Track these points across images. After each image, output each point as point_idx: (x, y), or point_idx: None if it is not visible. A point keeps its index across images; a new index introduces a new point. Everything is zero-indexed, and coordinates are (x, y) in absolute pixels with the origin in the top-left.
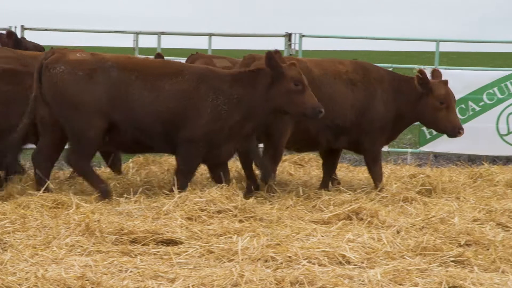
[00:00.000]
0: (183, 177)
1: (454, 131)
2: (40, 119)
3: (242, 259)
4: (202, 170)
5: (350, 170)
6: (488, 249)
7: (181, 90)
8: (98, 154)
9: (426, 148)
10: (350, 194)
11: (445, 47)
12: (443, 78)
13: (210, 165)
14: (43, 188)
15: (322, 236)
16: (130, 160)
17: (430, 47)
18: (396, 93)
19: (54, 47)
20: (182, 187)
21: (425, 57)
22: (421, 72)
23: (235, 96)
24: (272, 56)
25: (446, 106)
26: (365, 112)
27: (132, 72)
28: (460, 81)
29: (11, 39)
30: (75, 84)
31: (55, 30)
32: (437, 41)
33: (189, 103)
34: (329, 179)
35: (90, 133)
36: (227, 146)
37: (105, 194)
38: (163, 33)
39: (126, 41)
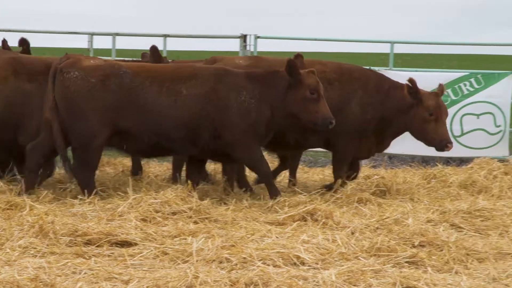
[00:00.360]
0: (260, 169)
1: (442, 144)
2: (45, 119)
3: (196, 261)
4: (157, 171)
5: (305, 171)
6: (441, 250)
7: (199, 93)
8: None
9: None
10: (305, 195)
11: (399, 49)
12: (401, 81)
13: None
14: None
15: (277, 237)
16: None
17: (384, 48)
18: (384, 97)
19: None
20: (266, 175)
21: (379, 58)
22: (411, 81)
23: (257, 92)
24: (293, 64)
25: (435, 118)
26: (338, 113)
27: (146, 77)
28: None
29: None
30: (87, 90)
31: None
32: (392, 43)
33: (210, 105)
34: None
35: (95, 141)
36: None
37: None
38: (117, 34)
39: (80, 42)
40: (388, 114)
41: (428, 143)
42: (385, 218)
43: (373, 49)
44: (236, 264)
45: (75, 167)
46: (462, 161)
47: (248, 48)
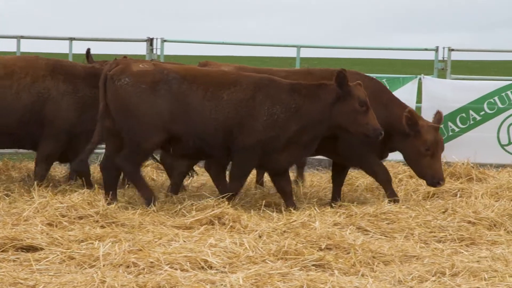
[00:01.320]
0: (237, 180)
1: (433, 181)
2: (106, 128)
3: (103, 265)
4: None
5: None
6: (348, 253)
7: (238, 99)
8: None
9: None
10: (212, 199)
11: (306, 53)
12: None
13: (270, 172)
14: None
15: (184, 241)
16: None
17: (291, 52)
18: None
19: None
20: (235, 189)
21: (286, 62)
22: (410, 112)
23: (293, 106)
24: (343, 75)
25: (431, 153)
26: None
27: (193, 83)
28: None
29: None
30: (138, 96)
31: None
32: (298, 47)
33: (244, 111)
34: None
35: (147, 145)
36: (286, 154)
37: (148, 202)
38: (22, 37)
39: None
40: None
41: (420, 176)
42: (292, 222)
43: (280, 53)
44: (143, 269)
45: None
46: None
47: (154, 51)
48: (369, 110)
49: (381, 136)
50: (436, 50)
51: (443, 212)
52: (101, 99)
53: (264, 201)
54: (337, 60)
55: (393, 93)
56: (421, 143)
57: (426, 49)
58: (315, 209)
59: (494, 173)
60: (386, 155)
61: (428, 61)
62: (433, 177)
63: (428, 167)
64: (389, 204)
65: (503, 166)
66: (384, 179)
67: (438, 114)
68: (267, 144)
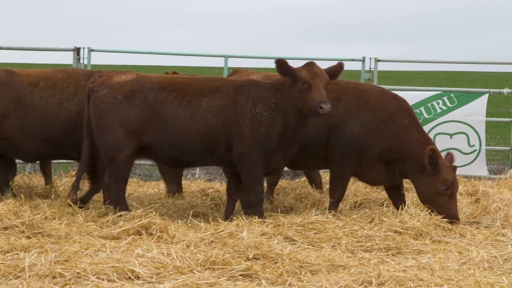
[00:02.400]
0: (254, 190)
1: (451, 221)
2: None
3: (29, 276)
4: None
5: (140, 185)
6: (275, 263)
7: (219, 106)
8: None
9: None
10: (140, 209)
11: (233, 63)
12: None
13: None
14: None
15: (111, 252)
16: None
17: (219, 62)
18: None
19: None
20: (258, 199)
21: (214, 72)
22: (432, 150)
23: (273, 101)
24: (280, 63)
25: (450, 193)
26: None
27: (172, 92)
28: None
29: None
30: (113, 107)
31: None
32: (226, 57)
33: (226, 118)
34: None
35: (121, 157)
36: (280, 152)
37: None
38: None
39: None
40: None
41: (438, 213)
42: (220, 232)
43: (208, 63)
44: (69, 279)
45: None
46: (296, 175)
47: (81, 61)
48: (312, 87)
49: (322, 110)
50: (363, 60)
51: (370, 222)
52: (86, 113)
53: (192, 211)
54: (266, 70)
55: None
56: (441, 183)
57: (353, 60)
58: (242, 219)
59: None
60: (395, 180)
61: (355, 72)
62: (451, 218)
63: (446, 207)
64: (316, 214)
65: None
66: (336, 198)
67: (449, 156)
68: (262, 145)
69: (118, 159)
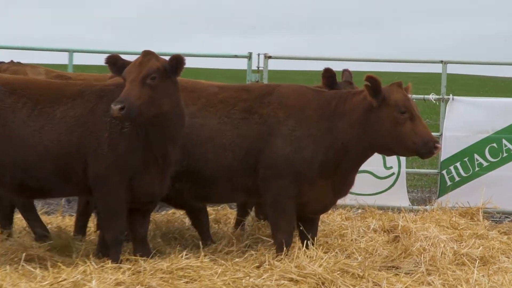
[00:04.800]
0: (112, 226)
1: (429, 146)
2: None
3: None
4: None
5: None
6: None
7: (77, 115)
8: None
9: None
10: None
11: (79, 59)
12: None
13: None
14: None
15: None
16: None
17: (63, 58)
18: None
19: None
20: (115, 238)
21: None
22: (370, 77)
23: None
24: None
25: (409, 115)
26: None
27: (21, 97)
28: None
29: None
30: None
31: None
32: (71, 51)
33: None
34: None
35: None
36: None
37: None
38: None
39: None
40: None
41: (409, 151)
42: (62, 281)
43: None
44: None
45: None
46: (162, 205)
47: None
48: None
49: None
50: (249, 57)
51: (258, 267)
52: None
53: (24, 254)
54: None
55: None
56: (393, 110)
57: (236, 56)
58: (91, 263)
59: (323, 216)
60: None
61: (240, 71)
62: (426, 143)
63: (415, 133)
64: (187, 257)
65: (334, 207)
66: (279, 241)
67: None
68: (123, 165)
69: None
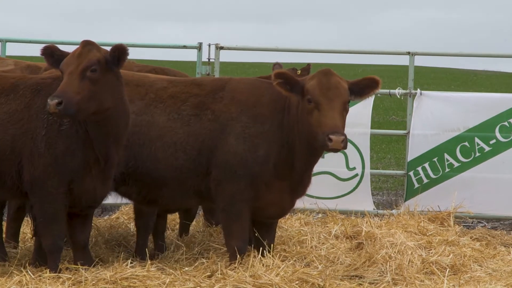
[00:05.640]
0: (49, 232)
1: (323, 137)
2: None
3: None
4: None
5: None
6: None
7: (11, 111)
8: None
9: None
10: None
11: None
12: None
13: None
14: None
15: None
16: None
17: None
18: None
19: None
20: (53, 245)
21: None
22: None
23: None
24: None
25: (315, 104)
26: None
27: None
28: None
29: None
30: None
31: None
32: (3, 41)
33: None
34: None
35: None
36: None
37: None
38: None
39: None
40: None
41: (313, 143)
42: None
43: None
44: None
45: None
46: (105, 209)
47: None
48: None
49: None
50: (199, 48)
51: (209, 277)
52: None
53: None
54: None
55: None
56: (304, 98)
57: (185, 47)
58: (28, 273)
59: (281, 221)
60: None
61: (189, 63)
62: (333, 132)
63: (319, 122)
64: (132, 266)
65: (293, 211)
66: (232, 248)
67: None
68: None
69: None
